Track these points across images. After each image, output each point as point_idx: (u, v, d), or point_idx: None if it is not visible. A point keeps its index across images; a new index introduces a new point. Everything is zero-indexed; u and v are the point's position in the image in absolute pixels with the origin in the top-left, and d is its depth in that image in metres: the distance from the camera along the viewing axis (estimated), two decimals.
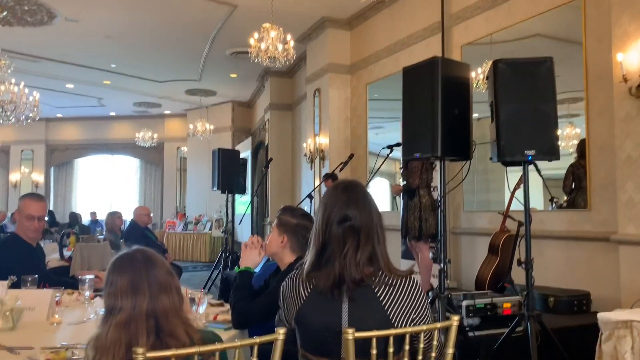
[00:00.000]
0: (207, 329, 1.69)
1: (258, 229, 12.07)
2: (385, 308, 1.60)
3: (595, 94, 4.51)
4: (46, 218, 9.41)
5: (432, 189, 5.45)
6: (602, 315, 2.45)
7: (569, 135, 5.08)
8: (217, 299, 6.07)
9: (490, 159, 3.29)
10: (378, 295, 1.61)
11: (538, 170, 4.60)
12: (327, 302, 1.62)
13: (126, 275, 1.49)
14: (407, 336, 1.53)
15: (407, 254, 5.66)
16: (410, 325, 1.62)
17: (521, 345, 3.20)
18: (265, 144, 11.62)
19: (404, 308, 1.61)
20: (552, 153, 3.09)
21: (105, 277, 1.55)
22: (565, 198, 4.95)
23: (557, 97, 3.21)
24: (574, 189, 4.82)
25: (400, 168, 5.66)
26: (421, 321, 1.65)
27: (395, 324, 1.60)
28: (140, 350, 1.28)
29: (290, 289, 1.72)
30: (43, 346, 1.97)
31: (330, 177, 6.46)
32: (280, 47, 6.47)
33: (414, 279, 1.67)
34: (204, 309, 2.52)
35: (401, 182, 5.60)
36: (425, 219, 5.07)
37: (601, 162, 4.45)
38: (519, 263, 3.22)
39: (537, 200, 5.18)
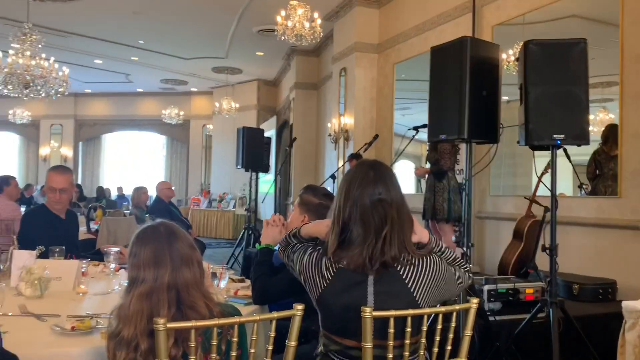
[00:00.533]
0: (227, 303, 1.72)
1: (281, 208, 12.14)
2: (411, 288, 1.60)
3: (631, 78, 4.38)
4: (76, 191, 9.63)
5: (457, 172, 5.42)
6: (626, 304, 2.42)
7: (601, 120, 4.96)
8: (240, 275, 6.18)
9: (518, 142, 3.24)
10: (403, 276, 1.61)
11: (568, 156, 4.53)
12: (353, 283, 1.62)
13: (149, 247, 1.53)
14: (425, 317, 1.54)
15: None
16: (435, 304, 1.63)
17: (543, 331, 3.19)
18: (290, 123, 11.64)
19: (428, 287, 1.62)
20: (581, 138, 3.03)
21: (129, 248, 1.59)
22: (588, 185, 4.87)
23: (591, 80, 3.13)
24: (597, 175, 4.73)
25: (428, 150, 5.62)
26: (445, 296, 1.67)
27: (421, 304, 1.60)
28: (161, 320, 1.31)
29: (311, 269, 1.71)
30: (69, 314, 2.03)
31: (355, 157, 6.45)
32: (307, 25, 6.43)
33: (435, 258, 1.67)
34: (225, 284, 2.56)
35: (427, 164, 5.58)
36: (454, 201, 5.11)
37: (634, 149, 4.34)
38: (544, 249, 3.19)
39: (566, 186, 5.10)
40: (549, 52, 3.07)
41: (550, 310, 3.08)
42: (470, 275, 1.81)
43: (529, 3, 5.42)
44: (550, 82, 3.05)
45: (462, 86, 3.20)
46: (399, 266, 1.61)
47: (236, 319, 1.40)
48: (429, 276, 1.63)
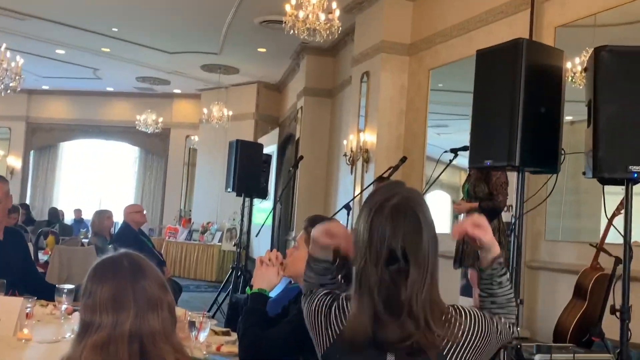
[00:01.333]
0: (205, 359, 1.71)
1: (280, 244, 12.14)
2: (443, 351, 1.59)
3: None
4: (22, 212, 9.67)
5: (505, 209, 5.41)
6: None
7: None
8: (224, 326, 6.12)
9: (584, 173, 3.24)
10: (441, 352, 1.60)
11: None
12: (371, 343, 1.60)
13: (108, 285, 1.52)
14: None
15: (467, 290, 5.60)
16: None
17: None
18: (296, 137, 11.70)
19: (463, 350, 1.61)
20: None
21: (83, 285, 1.58)
22: None
23: None
24: None
25: (468, 180, 5.60)
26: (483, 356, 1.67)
27: None
28: None
29: (318, 318, 1.71)
30: None
31: (381, 180, 6.43)
32: (322, 16, 6.52)
33: (476, 314, 1.67)
34: (206, 337, 2.55)
35: (464, 197, 5.57)
36: (504, 245, 5.10)
37: None
38: (613, 311, 3.16)
39: None
40: (626, 62, 3.09)
41: None
42: (514, 326, 1.80)
43: (601, 0, 5.47)
44: (626, 99, 3.06)
45: (515, 100, 3.22)
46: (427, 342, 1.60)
47: None
48: (471, 343, 1.62)
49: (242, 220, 8.10)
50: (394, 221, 1.61)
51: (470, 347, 1.62)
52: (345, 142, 8.97)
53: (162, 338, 1.51)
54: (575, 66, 5.56)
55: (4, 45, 8.66)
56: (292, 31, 6.60)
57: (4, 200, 3.39)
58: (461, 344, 1.61)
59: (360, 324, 1.60)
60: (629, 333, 3.13)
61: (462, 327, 1.62)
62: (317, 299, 1.75)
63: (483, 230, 1.76)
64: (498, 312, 1.76)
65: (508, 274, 1.79)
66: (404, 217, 1.62)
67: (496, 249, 1.77)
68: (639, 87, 3.06)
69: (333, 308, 1.69)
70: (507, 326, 1.75)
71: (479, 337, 1.64)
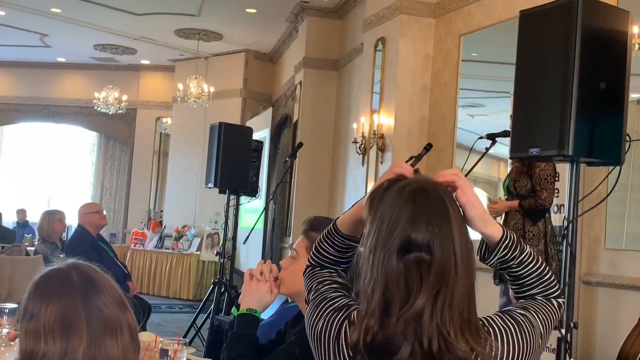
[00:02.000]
0: None
1: (273, 253, 12.15)
2: None
3: None
4: None
5: (554, 209, 5.42)
6: None
7: None
8: (203, 355, 6.12)
9: None
10: None
11: None
12: None
13: (55, 305, 1.52)
14: None
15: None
16: None
17: None
18: (294, 120, 11.71)
19: None
20: None
21: (23, 305, 1.58)
22: None
23: None
24: None
25: (510, 173, 5.61)
26: None
27: None
28: None
29: (325, 340, 1.72)
30: None
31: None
32: None
33: (508, 334, 1.67)
34: None
35: (506, 194, 5.58)
36: (552, 255, 5.10)
37: None
38: None
39: None
40: None
41: None
42: (563, 301, 1.84)
43: None
44: None
45: (568, 74, 3.22)
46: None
47: None
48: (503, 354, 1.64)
49: (226, 223, 8.10)
50: (415, 205, 1.63)
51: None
52: (355, 125, 8.97)
53: None
54: None
55: None
56: None
57: None
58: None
59: (368, 328, 1.60)
60: None
61: (498, 345, 1.64)
62: (325, 315, 1.75)
63: (463, 191, 1.73)
64: (533, 293, 1.80)
65: (528, 247, 1.79)
66: (427, 202, 1.64)
67: (494, 228, 1.77)
68: None
69: (344, 328, 1.70)
70: (551, 308, 1.79)
71: (521, 354, 1.66)
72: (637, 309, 4.66)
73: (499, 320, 1.69)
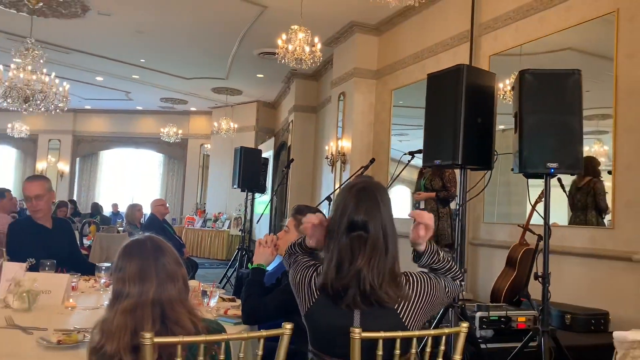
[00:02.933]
0: (212, 319, 1.70)
1: (276, 228, 12.12)
2: (400, 314, 1.60)
3: (624, 110, 4.43)
4: (70, 207, 9.55)
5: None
6: (617, 334, 2.40)
7: (597, 152, 5.00)
8: (231, 295, 6.09)
9: (512, 170, 3.26)
10: (395, 308, 1.61)
11: (562, 186, 4.55)
12: (339, 305, 1.62)
13: (135, 262, 1.52)
14: (414, 340, 1.53)
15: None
16: (419, 322, 1.62)
17: None
18: (288, 145, 11.68)
19: (416, 311, 1.62)
20: (575, 167, 3.06)
21: (114, 262, 1.58)
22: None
23: (586, 112, 3.16)
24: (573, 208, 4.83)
25: (423, 176, 5.63)
26: (435, 311, 1.71)
27: (409, 327, 1.60)
28: (147, 335, 1.30)
29: (303, 284, 1.71)
30: (56, 328, 2.01)
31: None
32: (307, 49, 6.50)
33: (425, 280, 1.67)
34: (215, 302, 2.55)
35: (420, 189, 5.59)
36: (454, 227, 5.15)
37: (627, 181, 4.37)
38: (536, 277, 3.18)
39: (562, 216, 5.11)
40: (544, 82, 3.12)
41: (542, 339, 3.06)
42: (463, 282, 1.81)
43: (525, 35, 5.50)
44: (544, 111, 3.08)
45: (458, 112, 3.24)
46: (390, 302, 1.61)
47: (224, 336, 1.38)
48: (419, 301, 1.63)
49: (245, 210, 8.08)
50: (357, 198, 1.63)
51: (420, 303, 1.63)
52: (327, 147, 8.97)
53: (179, 303, 1.51)
54: (505, 86, 5.60)
55: (53, 74, 8.55)
56: (283, 60, 6.58)
57: (47, 195, 3.34)
58: (412, 302, 1.62)
59: (328, 277, 1.61)
60: (549, 294, 3.16)
61: (412, 288, 1.64)
62: (300, 271, 1.75)
63: (429, 230, 1.73)
64: (444, 274, 1.78)
65: (441, 252, 1.78)
66: (366, 196, 1.64)
67: (424, 246, 1.75)
68: (555, 101, 3.09)
69: (313, 277, 1.70)
70: (454, 283, 1.77)
71: (427, 295, 1.65)
72: (503, 261, 4.68)
73: (417, 274, 1.69)
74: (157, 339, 1.31)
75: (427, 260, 1.75)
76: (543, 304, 3.11)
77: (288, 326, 1.46)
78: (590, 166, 4.82)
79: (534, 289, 3.90)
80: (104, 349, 1.42)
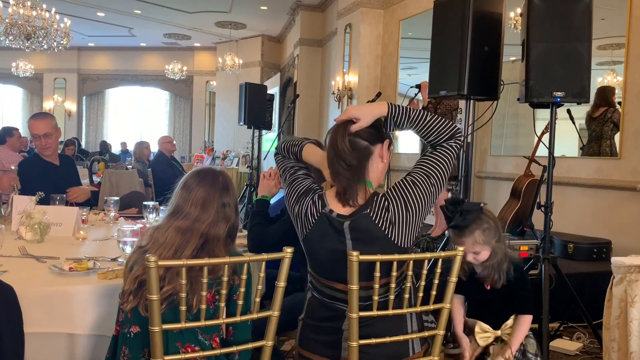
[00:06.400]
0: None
1: None
2: (385, 231, 1.63)
3: (637, 38, 4.32)
4: (71, 148, 9.60)
5: None
6: (615, 259, 2.46)
7: (609, 83, 4.91)
8: (242, 226, 6.18)
9: (518, 99, 3.22)
10: (375, 220, 1.64)
11: (571, 117, 4.51)
12: (333, 230, 1.67)
13: (203, 189, 1.62)
14: (411, 262, 1.58)
15: None
16: (410, 239, 1.66)
17: (535, 287, 3.24)
18: (294, 80, 11.54)
19: (402, 226, 1.65)
20: (581, 96, 3.00)
21: (185, 178, 1.67)
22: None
23: (600, 42, 3.08)
24: (588, 137, 4.79)
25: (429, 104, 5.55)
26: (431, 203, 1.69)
27: (400, 243, 1.64)
28: (152, 258, 1.35)
29: (300, 212, 1.75)
30: (68, 257, 2.09)
31: None
32: None
33: (404, 192, 1.67)
34: None
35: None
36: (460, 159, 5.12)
37: (637, 110, 4.32)
38: (539, 206, 3.21)
39: (571, 149, 5.10)
40: (553, 8, 3.02)
41: (543, 266, 3.13)
42: (458, 142, 1.71)
43: None
44: (552, 38, 3.00)
45: (464, 42, 3.17)
46: (370, 210, 1.64)
47: (226, 259, 1.44)
48: (402, 215, 1.64)
49: (252, 147, 8.09)
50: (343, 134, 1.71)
51: (406, 221, 1.66)
52: (333, 82, 8.86)
53: (222, 243, 1.62)
54: (517, 15, 5.43)
55: (53, 9, 8.40)
56: None
57: (55, 133, 3.39)
58: (397, 223, 1.65)
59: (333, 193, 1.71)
60: (551, 223, 3.20)
61: (394, 210, 1.65)
62: (298, 201, 1.76)
63: (356, 114, 1.70)
64: (434, 141, 1.73)
65: (418, 111, 1.72)
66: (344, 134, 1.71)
67: (382, 110, 1.70)
68: (563, 29, 3.00)
69: (309, 205, 1.73)
70: (448, 151, 1.71)
71: (410, 211, 1.66)
72: (508, 192, 4.71)
73: (396, 192, 1.68)
74: (161, 262, 1.36)
75: (392, 123, 1.72)
76: (545, 233, 3.15)
77: (289, 250, 1.51)
78: (605, 96, 4.75)
79: (538, 219, 3.96)
80: (147, 253, 1.53)
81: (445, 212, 2.01)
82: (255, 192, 7.59)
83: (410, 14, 7.41)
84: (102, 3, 11.57)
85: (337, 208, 1.68)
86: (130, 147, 12.98)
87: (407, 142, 7.65)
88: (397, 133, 6.82)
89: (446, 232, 3.51)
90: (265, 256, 1.47)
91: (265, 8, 11.35)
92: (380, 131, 1.73)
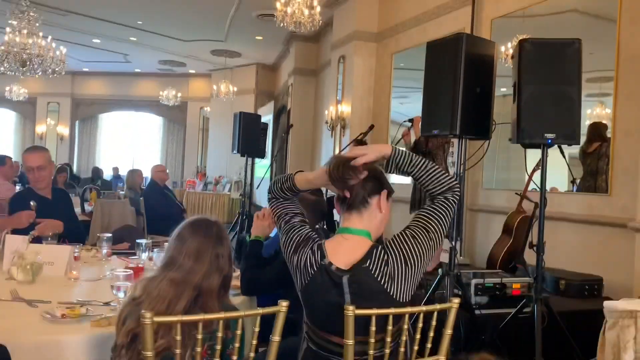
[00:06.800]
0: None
1: None
2: (384, 286, 1.63)
3: (626, 76, 4.40)
4: (63, 175, 9.54)
5: (450, 165, 5.44)
6: (607, 304, 2.47)
7: (599, 115, 4.98)
8: (233, 257, 6.09)
9: (510, 140, 3.27)
10: (375, 274, 1.64)
11: (562, 152, 4.55)
12: (332, 282, 1.65)
13: (197, 239, 1.61)
14: (407, 316, 1.58)
15: None
16: (409, 293, 1.65)
17: (527, 326, 3.25)
18: (288, 108, 11.61)
19: (401, 281, 1.63)
20: (572, 137, 3.06)
21: (179, 228, 1.66)
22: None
23: (589, 75, 3.13)
24: (584, 173, 4.83)
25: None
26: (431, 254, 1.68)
27: (398, 298, 1.63)
28: (148, 314, 1.35)
29: (299, 263, 1.74)
30: (60, 301, 2.07)
31: (358, 143, 6.40)
32: (306, 12, 6.41)
33: (403, 247, 1.67)
34: None
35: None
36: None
37: (625, 147, 4.37)
38: (531, 246, 3.24)
39: (561, 181, 5.13)
40: (543, 52, 3.09)
41: (535, 306, 3.14)
42: (456, 196, 1.72)
43: None
44: (543, 81, 3.06)
45: (457, 82, 3.21)
46: (369, 264, 1.64)
47: (221, 315, 1.43)
48: (401, 269, 1.63)
49: (245, 175, 8.08)
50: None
51: (405, 276, 1.64)
52: (326, 112, 8.91)
53: (216, 295, 1.60)
54: (507, 49, 5.52)
55: (50, 37, 8.46)
56: (282, 24, 6.50)
57: (49, 166, 3.39)
58: (396, 278, 1.64)
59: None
60: (543, 262, 3.21)
61: (394, 264, 1.64)
62: (297, 251, 1.75)
63: (362, 152, 1.72)
64: (432, 190, 1.73)
65: (419, 157, 1.74)
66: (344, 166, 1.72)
67: (386, 150, 1.73)
68: (553, 72, 3.07)
69: (308, 256, 1.71)
70: (446, 204, 1.71)
71: (410, 265, 1.65)
72: (501, 226, 4.72)
73: (395, 246, 1.67)
74: (157, 319, 1.36)
75: (393, 165, 1.73)
76: (537, 273, 3.17)
77: (284, 304, 1.51)
78: (598, 131, 4.80)
79: (530, 254, 3.97)
80: (140, 305, 1.52)
81: None
82: (247, 220, 7.56)
83: (402, 47, 7.52)
84: (98, 30, 11.67)
85: (336, 260, 1.68)
86: (122, 172, 12.95)
87: None
88: None
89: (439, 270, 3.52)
90: (260, 311, 1.46)
91: (261, 38, 11.49)
92: (380, 181, 1.73)
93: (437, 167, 1.75)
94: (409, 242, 1.67)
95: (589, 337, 3.36)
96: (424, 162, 1.74)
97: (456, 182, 1.75)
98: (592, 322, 3.49)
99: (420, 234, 1.68)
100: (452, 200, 1.73)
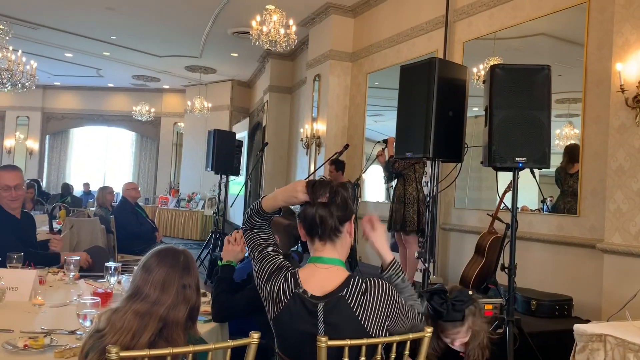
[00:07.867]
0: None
1: None
2: (359, 317, 1.61)
3: (593, 100, 4.52)
4: (30, 191, 9.32)
5: (424, 184, 5.49)
6: (577, 327, 2.49)
7: (567, 135, 5.09)
8: (205, 278, 6.01)
9: (482, 163, 3.31)
10: (351, 304, 1.62)
11: (533, 175, 4.63)
12: (306, 312, 1.63)
13: (164, 271, 1.57)
14: (380, 346, 1.56)
15: (394, 247, 5.69)
16: (385, 332, 1.64)
17: (499, 347, 3.26)
18: (263, 125, 11.60)
19: (377, 315, 1.62)
20: (542, 162, 3.11)
21: (146, 257, 1.61)
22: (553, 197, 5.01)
23: (558, 96, 3.21)
24: (559, 193, 4.89)
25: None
26: (396, 325, 1.67)
27: (371, 332, 1.61)
28: (113, 349, 1.30)
29: (271, 293, 1.71)
30: (23, 330, 1.99)
31: (335, 163, 6.40)
32: (282, 31, 6.43)
33: (384, 284, 1.67)
34: None
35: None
36: (422, 213, 5.14)
37: (593, 169, 4.47)
38: (502, 268, 3.26)
39: (532, 200, 5.21)
40: (514, 77, 3.15)
41: (507, 328, 3.16)
42: (422, 316, 1.82)
43: (499, 22, 5.53)
44: (514, 106, 3.12)
45: (429, 106, 3.26)
46: (348, 296, 1.62)
47: (190, 348, 1.39)
48: (378, 303, 1.63)
49: (219, 193, 8.02)
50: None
51: (381, 310, 1.64)
52: (302, 130, 8.94)
53: (181, 327, 1.55)
54: (479, 71, 5.63)
55: (20, 51, 8.30)
56: (257, 42, 6.51)
57: (23, 184, 3.36)
58: (372, 308, 1.63)
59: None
60: (515, 284, 3.24)
61: (372, 294, 1.65)
62: (270, 280, 1.73)
63: (375, 235, 1.83)
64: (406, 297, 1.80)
65: (404, 274, 1.83)
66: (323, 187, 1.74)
67: (388, 257, 1.82)
68: (524, 97, 3.13)
69: (282, 286, 1.70)
70: (414, 311, 1.78)
71: (387, 303, 1.65)
72: (473, 245, 4.75)
73: (379, 281, 1.69)
74: (123, 353, 1.31)
75: (392, 272, 1.80)
76: (509, 295, 3.19)
77: (255, 335, 1.48)
78: (576, 153, 4.87)
79: (501, 275, 4.00)
80: (104, 338, 1.47)
81: (434, 307, 1.99)
82: (221, 238, 7.47)
83: (377, 67, 7.60)
84: (70, 44, 11.51)
85: (311, 288, 1.66)
86: (93, 188, 12.72)
87: (374, 190, 7.72)
88: (364, 176, 6.86)
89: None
90: (230, 343, 1.43)
91: (236, 55, 11.49)
92: (347, 205, 1.73)
93: (415, 293, 1.84)
94: (385, 284, 1.69)
95: (560, 358, 3.40)
96: (408, 283, 1.84)
97: (420, 315, 1.81)
98: (563, 343, 3.54)
99: (395, 292, 1.72)
100: (415, 317, 1.78)
